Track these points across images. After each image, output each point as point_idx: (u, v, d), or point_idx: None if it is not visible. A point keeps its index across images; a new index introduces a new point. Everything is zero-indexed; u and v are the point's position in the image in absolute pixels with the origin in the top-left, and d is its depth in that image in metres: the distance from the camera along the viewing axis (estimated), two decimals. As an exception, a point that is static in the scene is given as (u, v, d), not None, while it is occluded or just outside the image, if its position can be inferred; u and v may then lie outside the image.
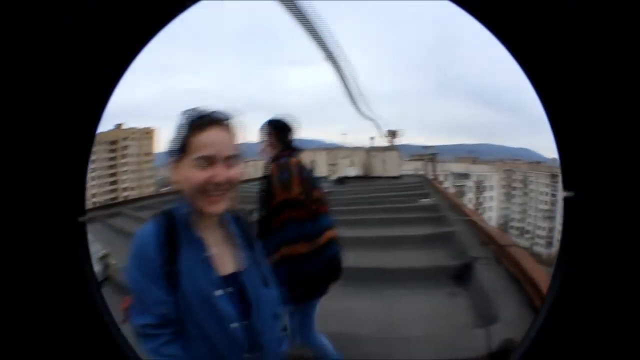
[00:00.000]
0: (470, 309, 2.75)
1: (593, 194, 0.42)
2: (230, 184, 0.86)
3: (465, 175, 48.91)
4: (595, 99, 0.39)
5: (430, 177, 14.95)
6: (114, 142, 67.34)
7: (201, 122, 0.86)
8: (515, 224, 55.59)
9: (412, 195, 8.05)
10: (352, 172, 14.85)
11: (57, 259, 0.45)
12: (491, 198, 51.87)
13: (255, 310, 0.89)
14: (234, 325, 0.86)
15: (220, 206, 0.86)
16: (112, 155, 67.00)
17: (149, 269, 0.84)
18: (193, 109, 0.88)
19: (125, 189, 65.18)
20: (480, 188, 50.32)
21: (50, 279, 0.44)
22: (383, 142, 17.48)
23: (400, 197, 7.81)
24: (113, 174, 66.42)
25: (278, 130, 1.86)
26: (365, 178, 14.61)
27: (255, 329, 0.89)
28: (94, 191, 60.86)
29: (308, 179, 1.79)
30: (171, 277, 0.84)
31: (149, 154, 71.85)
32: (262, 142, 1.88)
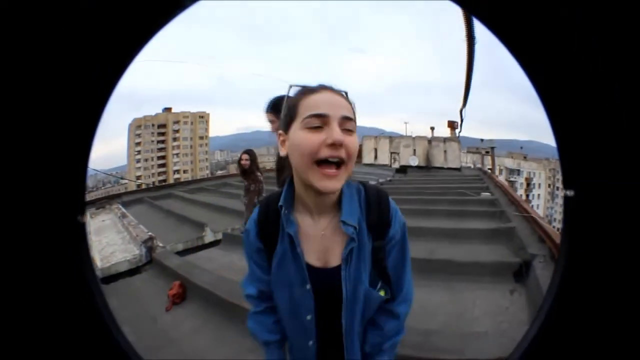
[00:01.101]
0: (526, 306, 2.78)
1: (593, 193, 0.42)
2: (347, 153, 0.70)
3: (517, 171, 46.94)
4: (595, 99, 0.39)
5: (488, 170, 14.75)
6: (162, 126, 68.88)
7: (312, 87, 0.76)
8: (556, 224, 52.66)
9: (473, 188, 7.80)
10: (414, 161, 14.85)
11: (56, 260, 0.44)
12: (538, 196, 49.42)
13: (344, 309, 0.80)
14: (309, 317, 0.82)
15: (334, 183, 0.71)
16: (161, 138, 68.47)
17: (251, 250, 0.87)
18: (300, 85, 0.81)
19: (177, 172, 67.08)
20: (529, 185, 48.15)
21: (49, 281, 0.44)
22: (443, 132, 17.21)
23: (462, 190, 7.57)
24: (162, 157, 68.26)
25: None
26: (426, 168, 14.57)
27: (340, 326, 0.82)
28: (139, 173, 63.34)
29: None
30: (269, 258, 0.84)
31: (203, 137, 72.46)
32: None
